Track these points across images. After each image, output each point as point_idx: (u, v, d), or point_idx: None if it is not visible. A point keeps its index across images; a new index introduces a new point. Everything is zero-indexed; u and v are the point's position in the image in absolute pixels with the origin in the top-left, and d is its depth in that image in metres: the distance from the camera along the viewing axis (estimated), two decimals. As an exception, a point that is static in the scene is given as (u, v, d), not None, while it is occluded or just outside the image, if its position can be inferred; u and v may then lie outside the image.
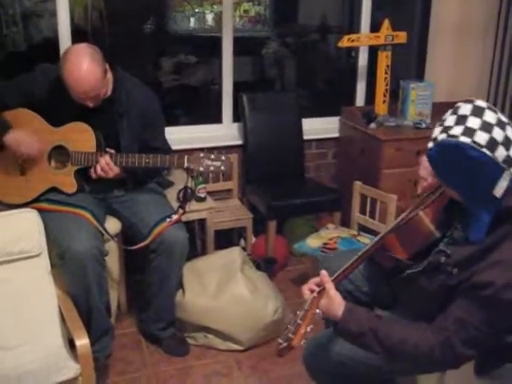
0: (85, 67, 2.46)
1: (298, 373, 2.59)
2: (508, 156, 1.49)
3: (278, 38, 4.98)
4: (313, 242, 3.35)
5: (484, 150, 1.48)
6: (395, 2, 4.71)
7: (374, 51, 4.01)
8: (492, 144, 1.48)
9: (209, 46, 4.49)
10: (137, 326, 3.11)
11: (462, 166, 1.52)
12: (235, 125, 4.04)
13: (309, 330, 1.73)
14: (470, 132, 1.49)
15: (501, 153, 1.48)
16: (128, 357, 2.89)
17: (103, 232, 2.66)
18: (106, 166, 2.60)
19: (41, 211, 2.57)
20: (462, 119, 1.52)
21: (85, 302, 2.56)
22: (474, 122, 1.50)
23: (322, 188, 3.89)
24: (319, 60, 5.08)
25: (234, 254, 3.09)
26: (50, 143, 2.70)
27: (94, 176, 2.66)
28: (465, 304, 1.64)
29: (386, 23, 3.78)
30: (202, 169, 2.58)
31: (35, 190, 2.72)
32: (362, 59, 4.26)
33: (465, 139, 1.49)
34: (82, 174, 2.72)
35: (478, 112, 1.53)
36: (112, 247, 2.80)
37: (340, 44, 3.77)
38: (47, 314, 2.43)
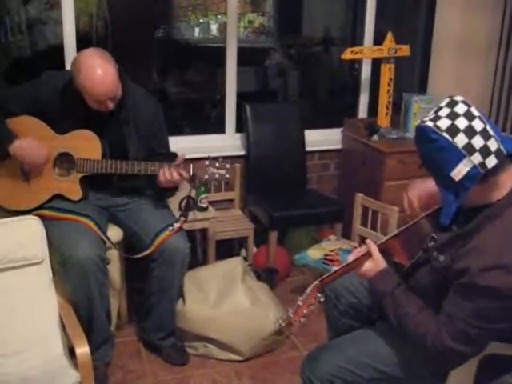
0: (100, 69, 2.46)
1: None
2: (469, 144, 1.60)
3: (281, 49, 5.01)
4: (314, 254, 3.35)
5: (444, 134, 1.61)
6: (398, 15, 4.74)
7: (377, 63, 4.03)
8: (452, 130, 1.61)
9: (213, 56, 4.52)
10: (137, 334, 3.11)
11: (427, 148, 1.67)
12: (238, 135, 4.06)
13: (308, 311, 1.88)
14: (436, 118, 1.65)
15: (461, 139, 1.60)
16: (128, 365, 2.89)
17: (105, 240, 2.66)
18: (170, 178, 2.61)
19: (43, 218, 2.57)
20: (437, 109, 1.69)
21: (86, 309, 2.56)
22: (443, 112, 1.65)
23: (323, 199, 3.89)
24: (322, 72, 5.10)
25: (235, 264, 3.09)
26: (55, 150, 2.71)
27: (164, 186, 2.67)
28: (451, 297, 1.71)
29: (390, 36, 3.81)
30: (207, 176, 2.60)
31: (40, 196, 2.72)
32: (365, 71, 4.28)
33: (429, 123, 1.65)
34: (86, 182, 2.73)
35: (451, 104, 1.67)
36: (113, 255, 2.80)
37: (343, 56, 3.79)
38: (48, 321, 2.44)
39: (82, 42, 3.58)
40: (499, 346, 1.80)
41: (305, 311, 1.88)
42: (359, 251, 1.98)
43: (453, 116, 1.63)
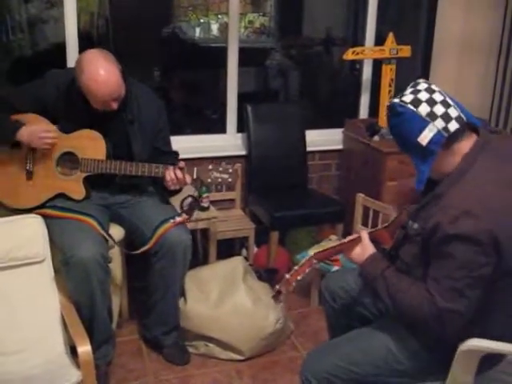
0: (104, 70, 2.47)
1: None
2: (431, 112, 1.77)
3: (282, 49, 5.01)
4: (315, 253, 3.35)
5: (408, 105, 1.79)
6: (400, 16, 4.75)
7: (378, 64, 4.04)
8: (416, 102, 1.79)
9: (214, 56, 4.52)
10: (138, 333, 3.11)
11: (396, 121, 1.84)
12: (239, 135, 4.06)
13: (304, 275, 2.04)
14: (401, 95, 1.84)
15: (424, 108, 1.78)
16: (129, 364, 2.89)
17: (107, 238, 2.66)
18: (176, 179, 2.63)
19: (45, 217, 2.57)
20: (403, 91, 1.88)
21: (88, 308, 2.56)
22: (407, 91, 1.85)
23: (324, 199, 3.90)
24: (323, 72, 5.11)
25: (236, 264, 3.10)
26: (59, 149, 2.71)
27: (171, 188, 2.68)
28: (432, 262, 1.80)
29: (391, 37, 3.81)
30: (210, 180, 2.63)
31: (42, 195, 2.72)
32: (366, 72, 4.28)
33: (396, 100, 1.84)
34: (89, 181, 2.73)
35: (414, 84, 1.87)
36: (115, 254, 2.80)
37: (344, 57, 3.79)
38: (49, 320, 2.44)
39: (84, 41, 3.59)
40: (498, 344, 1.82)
41: (300, 276, 2.03)
42: (351, 237, 2.11)
43: (415, 92, 1.82)
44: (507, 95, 4.08)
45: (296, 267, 2.04)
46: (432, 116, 1.77)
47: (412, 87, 1.85)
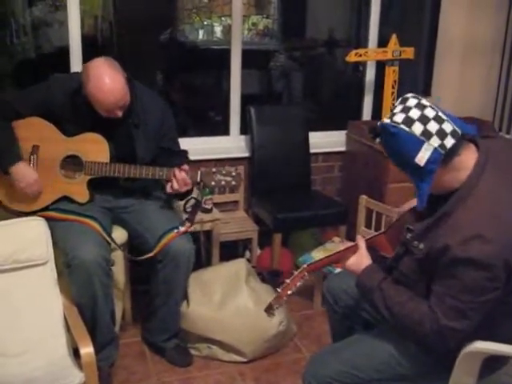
0: (110, 79, 2.49)
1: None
2: (425, 130, 1.71)
3: (285, 51, 5.00)
4: (318, 255, 3.34)
5: (401, 126, 1.72)
6: (403, 17, 4.74)
7: (381, 66, 4.03)
8: (408, 121, 1.72)
9: (217, 58, 4.52)
10: (141, 335, 3.12)
11: (390, 142, 1.78)
12: (242, 137, 4.06)
13: (295, 289, 2.03)
14: (392, 115, 1.77)
15: (417, 127, 1.72)
16: (132, 366, 2.90)
17: (110, 242, 2.67)
18: (182, 181, 2.64)
19: (48, 219, 2.58)
20: (392, 108, 1.82)
21: (90, 310, 2.56)
22: (397, 109, 1.78)
23: (327, 201, 3.89)
24: (326, 74, 5.09)
25: (239, 266, 3.10)
26: (63, 152, 2.72)
27: (169, 191, 2.69)
28: (437, 279, 1.76)
29: (394, 38, 3.81)
30: (213, 183, 2.66)
31: (46, 198, 2.73)
32: (369, 74, 4.28)
33: (387, 120, 1.77)
34: (92, 184, 2.74)
35: (402, 101, 1.80)
36: (118, 257, 2.81)
37: (347, 58, 3.79)
38: (53, 322, 2.44)
39: (88, 45, 3.59)
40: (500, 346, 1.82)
41: (291, 290, 2.02)
42: (347, 245, 2.10)
43: (406, 110, 1.75)
44: (511, 96, 4.08)
45: (288, 280, 2.03)
46: (426, 134, 1.71)
47: (401, 103, 1.79)
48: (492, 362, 1.86)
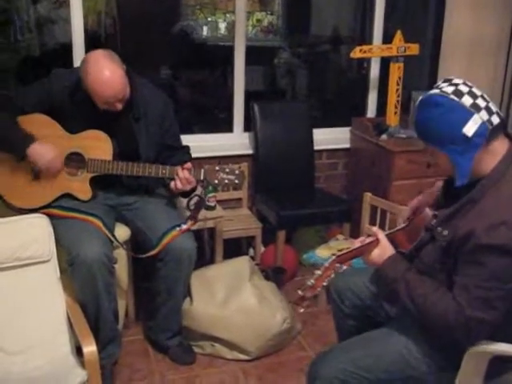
0: (108, 71, 2.48)
1: (304, 384, 2.58)
2: (475, 103, 1.72)
3: (290, 47, 5.00)
4: (322, 253, 3.34)
5: (451, 96, 1.73)
6: (408, 14, 4.72)
7: (385, 62, 4.01)
8: (457, 93, 1.73)
9: (221, 54, 4.52)
10: (144, 333, 3.11)
11: (434, 113, 1.75)
12: (246, 134, 4.05)
13: (329, 280, 1.96)
14: (439, 88, 1.77)
15: (467, 100, 1.72)
16: (135, 364, 2.89)
17: (113, 239, 2.66)
18: (185, 180, 2.64)
19: (51, 217, 2.57)
20: (436, 86, 1.82)
21: (93, 308, 2.56)
22: (443, 85, 1.78)
23: (331, 199, 3.88)
24: (331, 70, 5.09)
25: (243, 264, 3.09)
26: (66, 149, 2.71)
27: (175, 190, 2.70)
28: (461, 268, 1.74)
29: (399, 34, 3.78)
30: (216, 181, 2.66)
31: (49, 195, 2.72)
32: (374, 70, 4.26)
33: (435, 91, 1.78)
34: (95, 181, 2.73)
35: (446, 80, 1.80)
36: (120, 255, 2.80)
37: (352, 55, 3.77)
38: (55, 320, 2.43)
39: (91, 41, 3.59)
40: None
41: (325, 282, 1.95)
42: (366, 239, 2.03)
43: (453, 85, 1.76)
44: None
45: (319, 271, 1.96)
46: (476, 107, 1.71)
47: (446, 82, 1.79)
48: (503, 363, 1.83)
